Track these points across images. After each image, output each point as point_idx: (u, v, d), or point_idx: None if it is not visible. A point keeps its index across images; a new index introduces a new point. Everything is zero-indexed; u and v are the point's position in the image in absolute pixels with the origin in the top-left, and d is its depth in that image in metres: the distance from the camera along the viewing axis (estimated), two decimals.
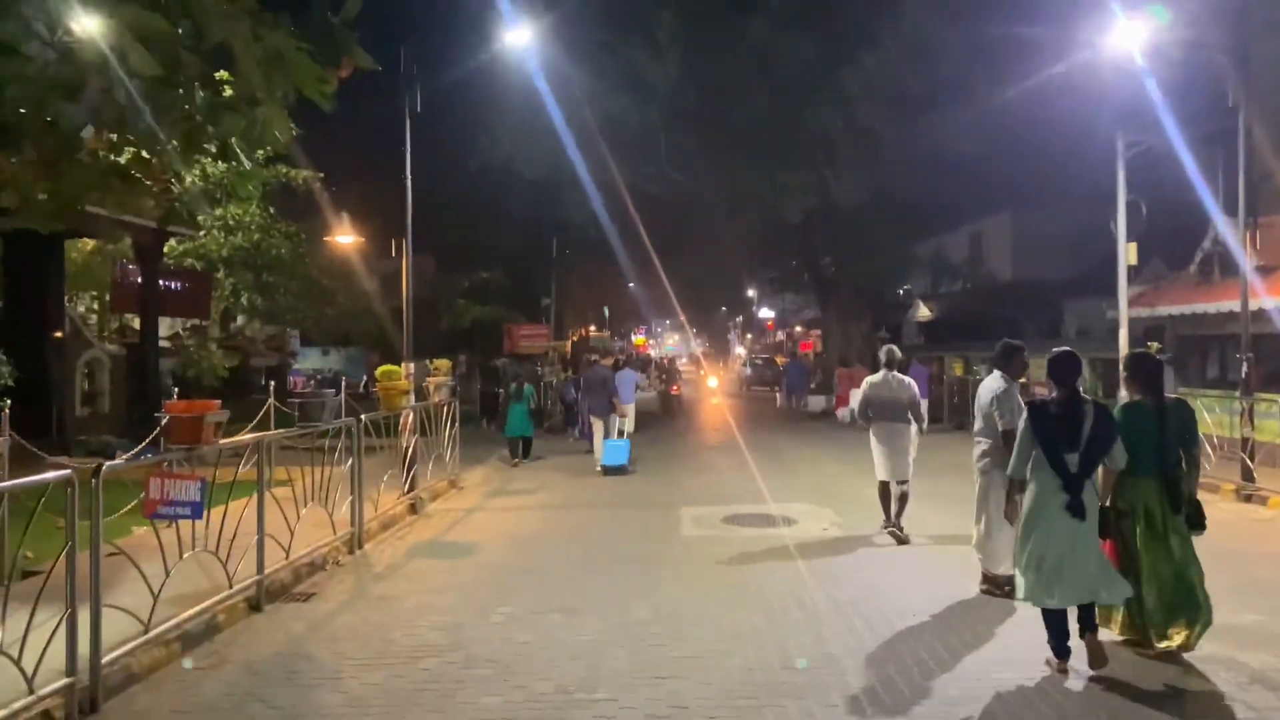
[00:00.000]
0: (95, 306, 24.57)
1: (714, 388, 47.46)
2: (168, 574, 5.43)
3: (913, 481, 8.91)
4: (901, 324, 37.19)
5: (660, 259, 38.07)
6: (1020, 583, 5.15)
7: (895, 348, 9.20)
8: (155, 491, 5.22)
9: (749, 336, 77.36)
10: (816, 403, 26.75)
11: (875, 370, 9.30)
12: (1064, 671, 4.99)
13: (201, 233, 27.57)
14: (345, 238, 19.19)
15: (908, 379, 8.86)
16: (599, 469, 14.03)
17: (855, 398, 21.86)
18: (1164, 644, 5.23)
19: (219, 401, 6.20)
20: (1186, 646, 5.20)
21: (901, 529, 8.65)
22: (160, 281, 27.80)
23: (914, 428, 8.83)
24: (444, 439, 12.03)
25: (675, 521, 9.85)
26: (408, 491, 10.53)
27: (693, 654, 5.44)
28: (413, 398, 10.91)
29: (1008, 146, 26.82)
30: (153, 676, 5.11)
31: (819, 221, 27.21)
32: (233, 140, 6.43)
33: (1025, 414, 5.22)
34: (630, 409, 19.65)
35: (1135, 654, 5.29)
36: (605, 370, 16.59)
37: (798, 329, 55.13)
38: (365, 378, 38.50)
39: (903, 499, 8.80)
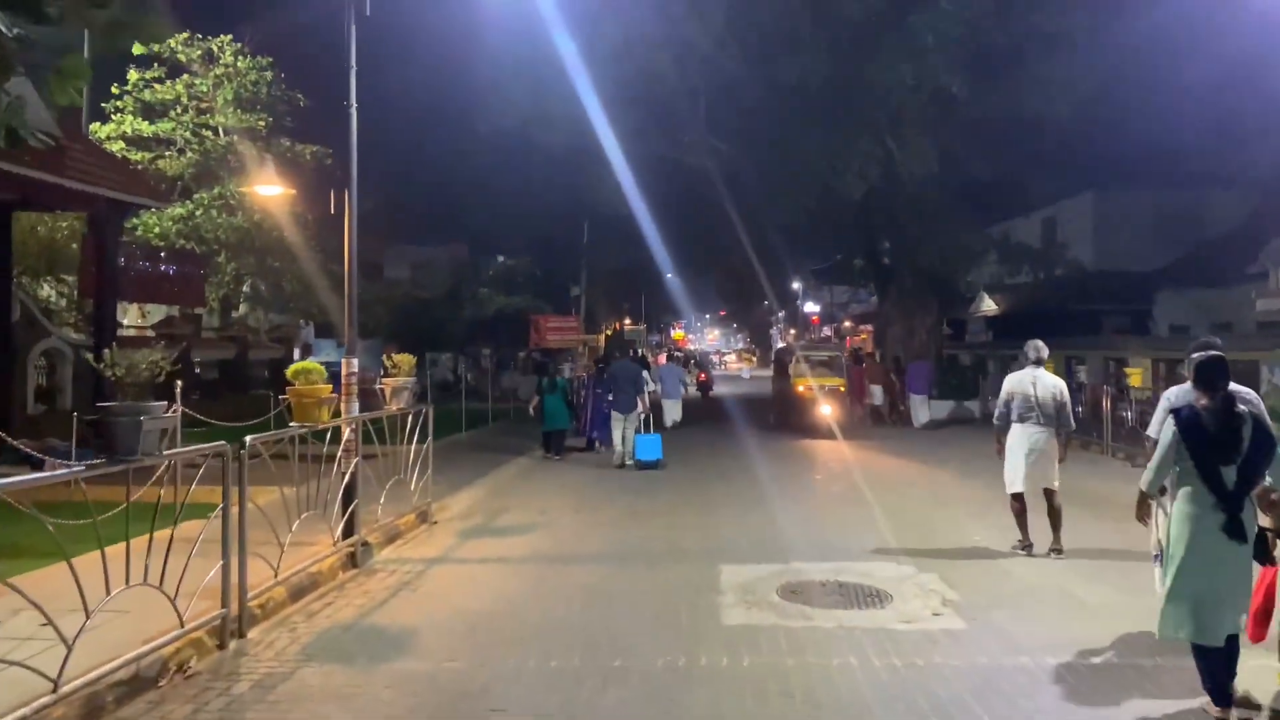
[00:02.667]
0: (67, 291, 22.16)
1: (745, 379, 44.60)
2: None
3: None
4: (966, 319, 33.77)
5: (700, 246, 35.12)
6: (1169, 617, 4.49)
7: (1040, 343, 8.27)
8: None
9: (792, 331, 73.97)
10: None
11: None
12: None
13: (198, 211, 25.21)
14: (268, 188, 16.18)
15: (1055, 376, 8.12)
16: (618, 464, 13.88)
17: (878, 393, 21.68)
18: None
19: (164, 403, 4.93)
20: None
21: (1060, 548, 7.87)
22: (146, 264, 25.64)
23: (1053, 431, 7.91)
24: (407, 460, 9.13)
25: (713, 592, 6.80)
26: (343, 537, 7.64)
27: None
28: (355, 405, 8.01)
29: (1097, 115, 23.40)
30: None
31: (879, 199, 23.97)
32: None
33: (1171, 423, 4.57)
34: (677, 404, 20.73)
35: None
36: (633, 366, 15.62)
37: (846, 324, 51.71)
38: (380, 372, 36.01)
39: (1057, 512, 7.99)
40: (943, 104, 20.95)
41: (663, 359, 33.37)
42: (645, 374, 22.38)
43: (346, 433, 7.75)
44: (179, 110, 25.64)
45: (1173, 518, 4.55)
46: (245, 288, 28.56)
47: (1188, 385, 5.26)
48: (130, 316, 27.53)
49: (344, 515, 7.67)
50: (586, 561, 7.89)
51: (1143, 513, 4.97)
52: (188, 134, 25.89)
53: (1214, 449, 4.39)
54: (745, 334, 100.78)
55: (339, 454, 7.78)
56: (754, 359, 76.08)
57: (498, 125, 21.49)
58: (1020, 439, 7.92)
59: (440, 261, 41.61)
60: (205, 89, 25.84)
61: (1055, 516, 7.93)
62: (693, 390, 30.64)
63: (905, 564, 7.62)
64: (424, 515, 9.59)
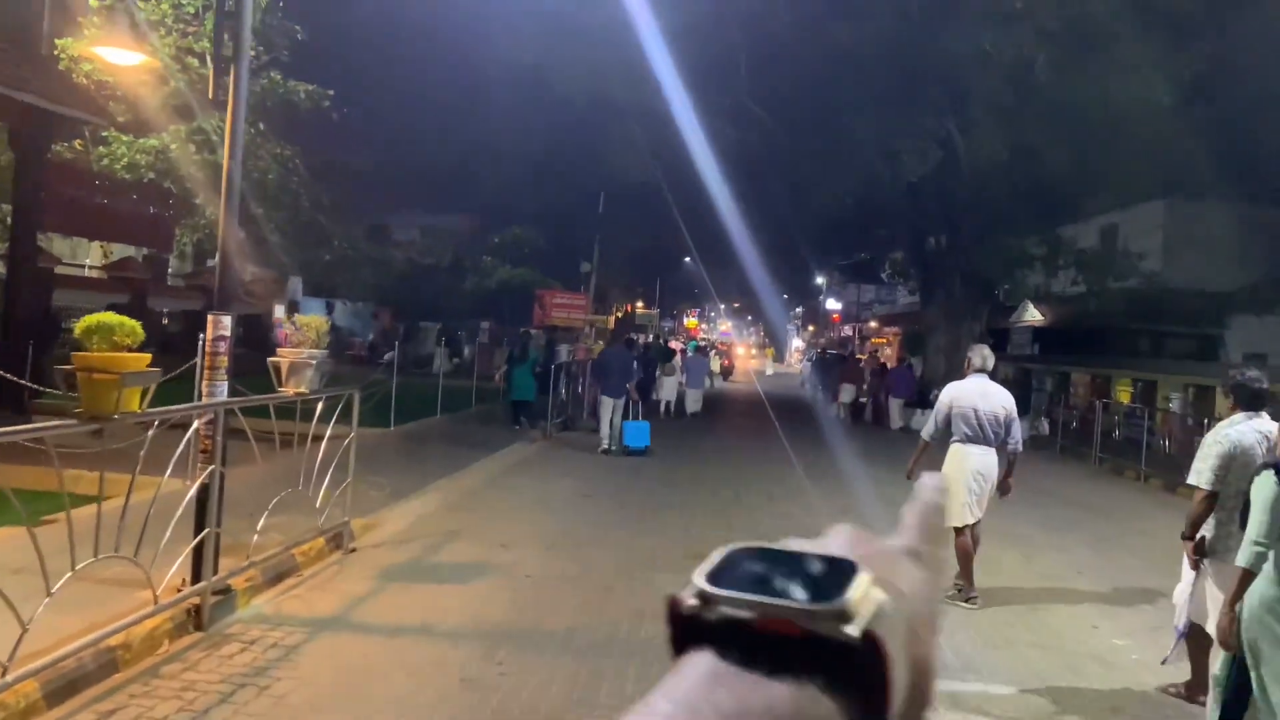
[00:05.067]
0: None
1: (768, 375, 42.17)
2: None
3: None
4: (1009, 329, 30.95)
5: (726, 228, 32.43)
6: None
7: (987, 349, 7.19)
8: None
9: (811, 328, 71.14)
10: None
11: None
12: None
13: (173, 145, 22.61)
14: (117, 53, 10.90)
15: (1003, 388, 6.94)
16: (606, 447, 13.74)
17: (848, 392, 23.10)
18: None
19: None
20: None
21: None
22: (107, 199, 23.08)
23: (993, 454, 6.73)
24: (314, 464, 6.51)
25: None
26: (192, 581, 5.04)
27: None
28: (222, 386, 5.37)
29: (1184, 111, 20.54)
30: None
31: (933, 190, 21.22)
32: None
33: (1270, 481, 3.57)
34: (699, 394, 21.98)
35: None
36: (626, 353, 15.42)
37: (871, 324, 48.91)
38: (371, 338, 33.50)
39: (976, 542, 6.81)
40: (1020, 83, 18.15)
41: (676, 346, 31.19)
42: (674, 362, 21.43)
43: (197, 424, 5.11)
44: (163, 33, 22.95)
45: (1253, 606, 3.58)
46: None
47: (1236, 429, 4.61)
48: (93, 256, 25.05)
49: (190, 550, 5.05)
50: (553, 649, 5.25)
51: (1236, 599, 3.75)
52: (169, 59, 23.17)
53: None
54: (759, 327, 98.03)
55: (199, 468, 5.18)
56: (773, 352, 73.34)
57: (510, 63, 18.77)
58: (963, 461, 6.66)
59: (451, 228, 39.02)
60: (194, 9, 23.14)
61: (975, 544, 6.73)
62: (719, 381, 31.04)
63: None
64: (338, 540, 6.97)
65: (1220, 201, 26.12)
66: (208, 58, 23.52)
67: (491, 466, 11.52)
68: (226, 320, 5.41)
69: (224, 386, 5.38)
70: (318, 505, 6.55)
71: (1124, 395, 20.07)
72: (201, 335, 5.69)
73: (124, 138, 21.66)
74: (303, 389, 6.05)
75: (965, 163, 19.75)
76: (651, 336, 43.05)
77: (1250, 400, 4.75)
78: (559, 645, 5.29)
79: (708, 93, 19.86)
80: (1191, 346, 24.94)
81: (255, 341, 25.91)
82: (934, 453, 7.02)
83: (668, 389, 21.64)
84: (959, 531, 6.64)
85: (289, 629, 5.27)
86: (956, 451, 6.73)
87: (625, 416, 14.29)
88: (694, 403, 21.75)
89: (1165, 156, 22.86)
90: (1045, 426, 20.99)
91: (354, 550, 7.01)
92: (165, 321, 22.85)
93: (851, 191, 19.96)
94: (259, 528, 5.81)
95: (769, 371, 55.06)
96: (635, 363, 15.54)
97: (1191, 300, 24.81)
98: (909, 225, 23.76)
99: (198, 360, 5.47)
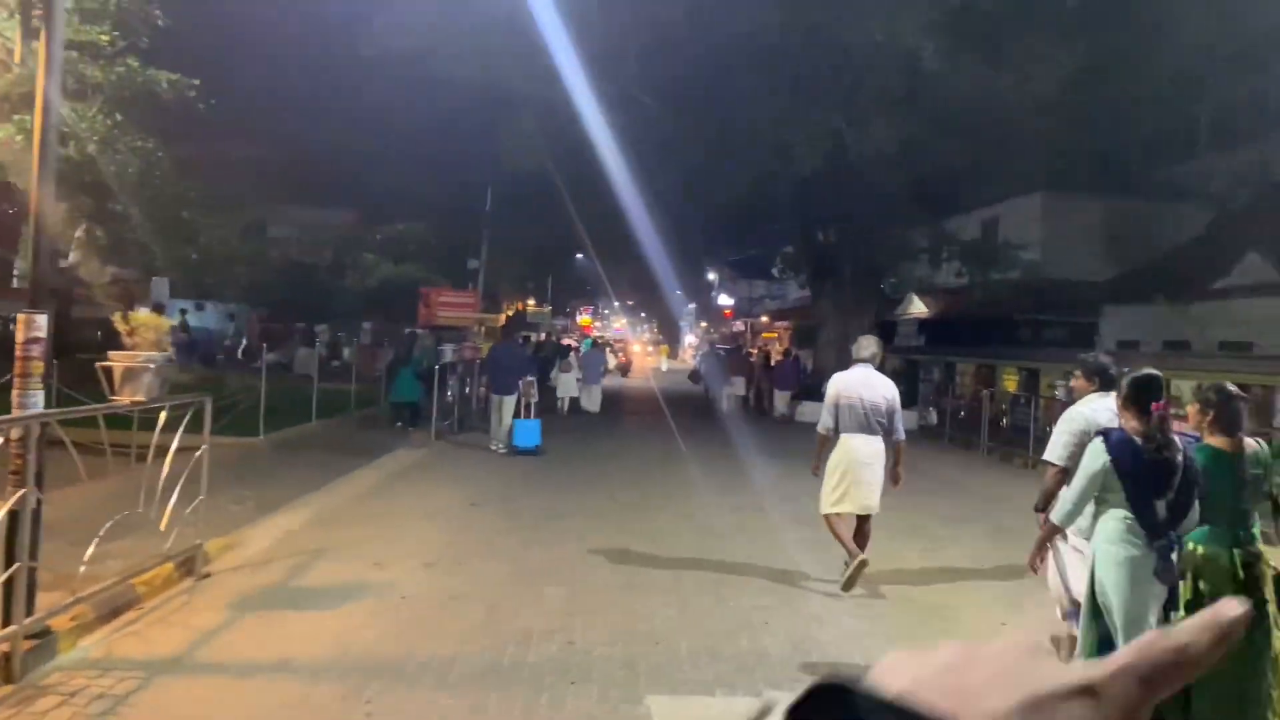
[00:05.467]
0: None
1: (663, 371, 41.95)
2: None
3: None
4: (896, 322, 31.48)
5: (619, 223, 32.06)
6: None
7: (873, 339, 7.17)
8: None
9: (704, 324, 71.51)
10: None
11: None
12: None
13: (18, 137, 20.77)
14: None
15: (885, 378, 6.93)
16: (494, 447, 13.55)
17: (739, 384, 24.31)
18: None
19: None
20: None
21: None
22: None
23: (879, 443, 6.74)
24: (156, 483, 5.73)
25: None
26: (0, 625, 4.27)
27: None
28: (37, 397, 4.59)
29: (1064, 106, 21.10)
30: None
31: (823, 184, 21.23)
32: None
33: (1100, 447, 3.99)
34: (597, 390, 22.22)
35: None
36: (516, 349, 15.42)
37: (763, 319, 49.30)
38: (245, 341, 31.85)
39: (865, 537, 6.75)
40: (909, 74, 18.25)
41: (570, 343, 30.81)
42: (571, 358, 21.30)
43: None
44: (4, 14, 21.04)
45: (1100, 559, 4.03)
46: (79, 232, 24.15)
47: (1089, 406, 4.93)
48: None
49: None
50: (429, 681, 4.64)
51: (1041, 552, 4.54)
52: (9, 41, 21.25)
53: (1149, 479, 3.93)
54: (654, 324, 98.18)
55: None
56: (668, 350, 73.37)
57: (391, 49, 17.84)
58: (847, 451, 6.70)
59: (332, 225, 37.43)
60: None
61: (866, 537, 6.72)
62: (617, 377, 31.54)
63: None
64: (189, 565, 6.19)
65: (1093, 195, 27.15)
66: None
67: (370, 475, 10.76)
68: (41, 320, 4.61)
69: (38, 397, 4.59)
70: (162, 527, 5.77)
71: (1010, 384, 20.46)
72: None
73: None
74: (139, 397, 5.27)
75: (855, 155, 19.79)
76: (544, 334, 42.39)
77: (1108, 381, 5.00)
78: (436, 677, 4.69)
79: (597, 81, 19.36)
80: (1068, 335, 25.75)
81: (114, 347, 24.17)
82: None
83: (564, 386, 21.62)
84: (830, 518, 6.78)
85: (120, 674, 4.53)
86: (843, 442, 6.76)
87: (518, 415, 13.89)
88: (591, 401, 21.86)
89: (1045, 150, 23.56)
90: (933, 416, 21.28)
91: (207, 576, 6.25)
92: (11, 326, 21.01)
93: (743, 184, 19.74)
94: (86, 557, 5.02)
95: (664, 368, 55.00)
96: (531, 360, 15.69)
97: (1068, 290, 25.66)
98: (800, 218, 23.77)
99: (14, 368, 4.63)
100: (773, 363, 25.68)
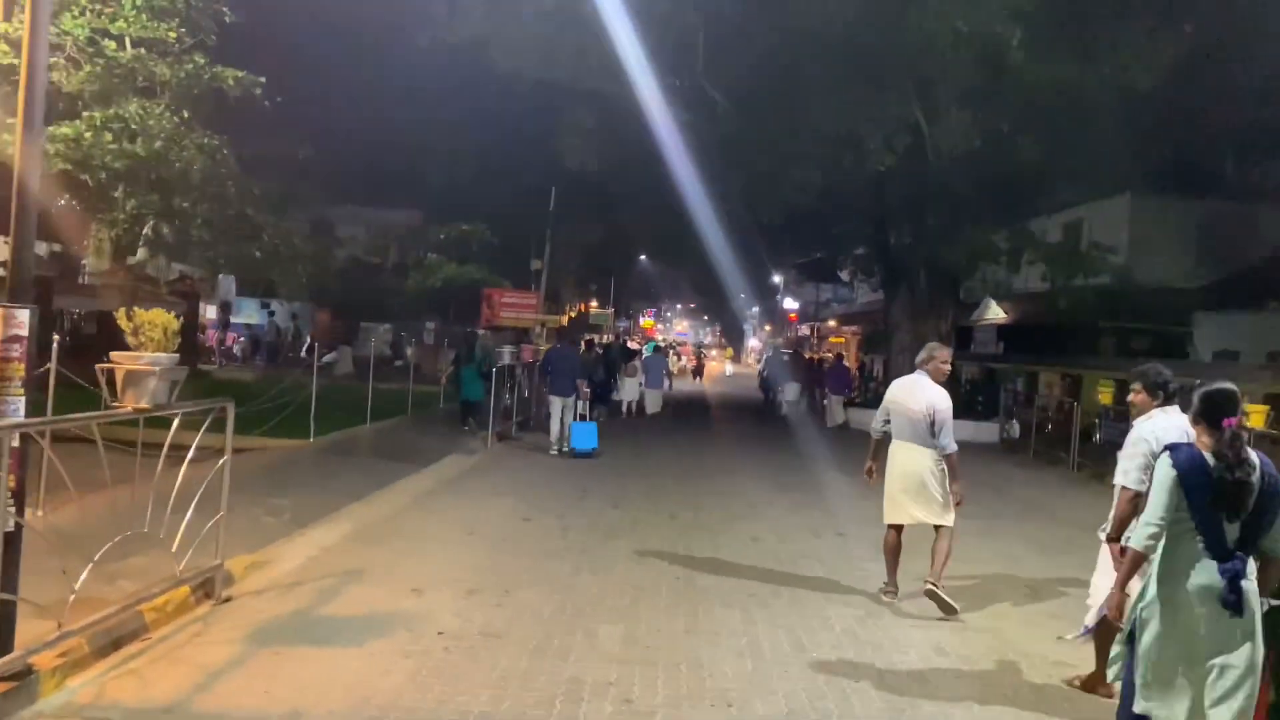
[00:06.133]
0: None
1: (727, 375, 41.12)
2: None
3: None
4: (972, 328, 30.18)
5: (682, 224, 31.35)
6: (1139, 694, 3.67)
7: (936, 345, 6.90)
8: None
9: (768, 328, 70.31)
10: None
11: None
12: None
13: (87, 133, 20.77)
14: None
15: (938, 387, 6.49)
16: (553, 452, 13.48)
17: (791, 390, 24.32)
18: None
19: None
20: None
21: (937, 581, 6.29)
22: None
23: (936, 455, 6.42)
24: (173, 497, 5.15)
25: None
26: None
27: None
28: (18, 404, 4.02)
29: (1158, 97, 19.73)
30: None
31: (898, 182, 20.22)
32: None
33: (1168, 463, 3.70)
34: (658, 394, 22.45)
35: None
36: (572, 351, 15.15)
37: (830, 323, 48.08)
38: (309, 339, 31.80)
39: (938, 554, 6.36)
40: (991, 65, 17.18)
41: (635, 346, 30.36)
42: (635, 363, 20.99)
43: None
44: (76, 12, 21.05)
45: (1153, 576, 3.74)
46: (146, 230, 24.23)
47: (1159, 421, 4.73)
48: None
49: None
50: None
51: (1128, 579, 3.89)
52: (82, 39, 21.22)
53: (1218, 498, 3.58)
54: (717, 327, 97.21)
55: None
56: (730, 353, 72.39)
57: (455, 50, 17.38)
58: (892, 459, 6.64)
59: (396, 225, 37.36)
60: None
61: (939, 554, 6.40)
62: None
63: None
64: (207, 587, 5.62)
65: (1184, 196, 25.60)
66: (127, 41, 21.88)
67: (420, 483, 10.18)
68: (22, 316, 4.03)
69: (18, 404, 4.02)
70: (174, 548, 5.19)
71: (1105, 397, 19.16)
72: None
73: None
74: (143, 404, 4.69)
75: (932, 151, 18.76)
76: (611, 337, 41.84)
77: (1170, 396, 4.86)
78: None
79: (661, 75, 18.65)
80: (1157, 344, 24.29)
81: (181, 347, 24.19)
82: None
83: (629, 390, 21.76)
84: (890, 528, 6.64)
85: None
86: (891, 450, 6.66)
87: (576, 416, 14.04)
88: (653, 403, 21.97)
89: (1134, 148, 22.15)
90: (1016, 429, 20.10)
91: (227, 600, 5.66)
92: (80, 322, 21.12)
93: (814, 182, 18.83)
94: (77, 585, 4.44)
95: (728, 372, 54.10)
96: (599, 363, 16.51)
97: (1157, 297, 24.17)
98: (872, 218, 22.75)
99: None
100: (826, 368, 25.38)
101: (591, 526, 8.49)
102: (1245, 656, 3.56)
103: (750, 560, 7.56)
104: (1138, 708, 3.70)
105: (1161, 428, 4.68)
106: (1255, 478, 3.58)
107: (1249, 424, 13.48)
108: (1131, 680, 3.75)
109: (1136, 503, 4.55)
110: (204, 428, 5.54)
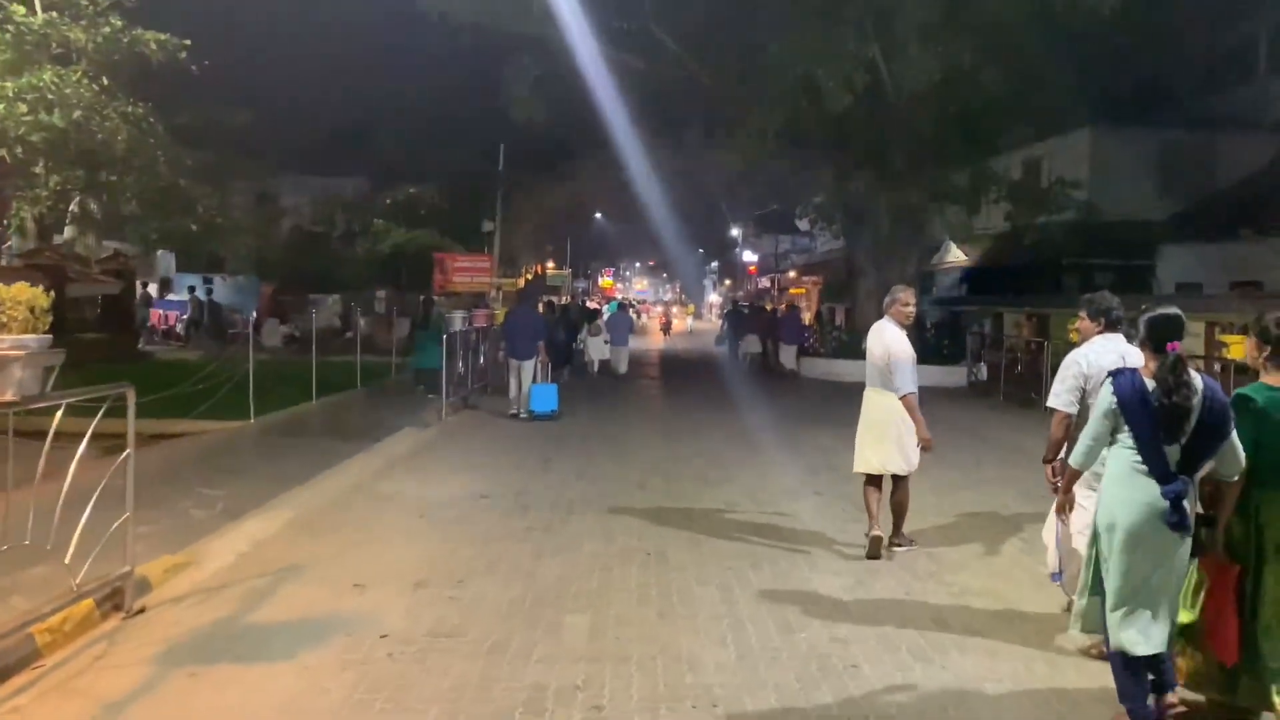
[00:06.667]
0: None
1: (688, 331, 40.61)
2: None
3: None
4: (933, 272, 29.83)
5: (638, 178, 30.58)
6: (1093, 614, 3.90)
7: (896, 288, 6.72)
8: None
9: (728, 283, 69.84)
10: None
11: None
12: None
13: None
14: None
15: (897, 331, 6.39)
16: (513, 413, 13.35)
17: (753, 342, 24.65)
18: None
19: None
20: None
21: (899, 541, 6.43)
22: None
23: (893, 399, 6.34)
24: (57, 498, 4.45)
25: None
26: None
27: None
28: None
29: (1119, 26, 19.23)
30: None
31: (857, 123, 19.61)
32: None
33: (1109, 389, 3.80)
34: (624, 352, 22.01)
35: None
36: (533, 313, 14.83)
37: (790, 274, 47.65)
38: (255, 314, 30.70)
39: (897, 506, 6.48)
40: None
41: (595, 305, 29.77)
42: (599, 322, 20.38)
43: None
44: None
45: (1103, 502, 3.85)
46: (73, 206, 22.96)
47: (1095, 346, 4.86)
48: None
49: None
50: None
51: (1067, 497, 4.29)
52: None
53: (1159, 423, 3.66)
54: (676, 284, 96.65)
55: None
56: (692, 309, 71.88)
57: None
58: (863, 408, 6.64)
59: (342, 193, 36.07)
60: None
61: (896, 508, 6.47)
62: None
63: None
64: (118, 598, 4.94)
65: (1145, 128, 25.23)
66: (37, 4, 20.48)
67: (369, 463, 9.49)
68: None
69: None
70: (68, 558, 4.50)
71: (1074, 335, 18.86)
72: None
73: None
74: (8, 395, 3.97)
75: (892, 90, 18.17)
76: (569, 298, 41.02)
77: (1112, 322, 4.92)
78: None
79: (611, 20, 17.82)
80: (1120, 279, 24.07)
81: (117, 324, 23.18)
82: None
83: (595, 349, 21.61)
84: (865, 483, 6.49)
85: None
86: (864, 396, 6.66)
87: (536, 379, 13.84)
88: (620, 362, 21.80)
89: (1094, 80, 21.73)
90: (984, 372, 19.78)
91: (140, 612, 4.99)
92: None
93: (772, 126, 18.16)
94: None
95: (689, 328, 53.63)
96: (558, 325, 16.40)
97: (1121, 231, 23.90)
98: (834, 162, 22.13)
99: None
100: (778, 317, 25.25)
101: (554, 502, 7.88)
102: (1183, 574, 3.77)
103: (726, 531, 7.01)
104: (1114, 643, 3.72)
105: (1095, 352, 4.80)
106: (1196, 401, 3.62)
107: (1229, 355, 13.18)
108: (1106, 624, 3.78)
109: (1067, 424, 4.78)
110: (99, 415, 4.81)
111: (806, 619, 5.08)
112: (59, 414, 4.41)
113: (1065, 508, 4.35)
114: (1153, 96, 25.79)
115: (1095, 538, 3.88)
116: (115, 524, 4.93)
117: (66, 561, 4.51)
